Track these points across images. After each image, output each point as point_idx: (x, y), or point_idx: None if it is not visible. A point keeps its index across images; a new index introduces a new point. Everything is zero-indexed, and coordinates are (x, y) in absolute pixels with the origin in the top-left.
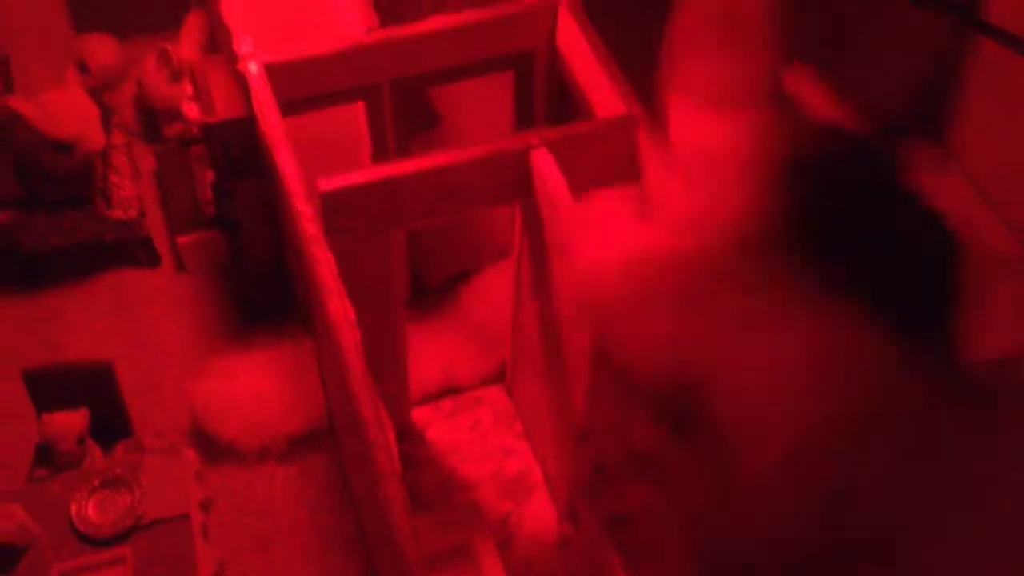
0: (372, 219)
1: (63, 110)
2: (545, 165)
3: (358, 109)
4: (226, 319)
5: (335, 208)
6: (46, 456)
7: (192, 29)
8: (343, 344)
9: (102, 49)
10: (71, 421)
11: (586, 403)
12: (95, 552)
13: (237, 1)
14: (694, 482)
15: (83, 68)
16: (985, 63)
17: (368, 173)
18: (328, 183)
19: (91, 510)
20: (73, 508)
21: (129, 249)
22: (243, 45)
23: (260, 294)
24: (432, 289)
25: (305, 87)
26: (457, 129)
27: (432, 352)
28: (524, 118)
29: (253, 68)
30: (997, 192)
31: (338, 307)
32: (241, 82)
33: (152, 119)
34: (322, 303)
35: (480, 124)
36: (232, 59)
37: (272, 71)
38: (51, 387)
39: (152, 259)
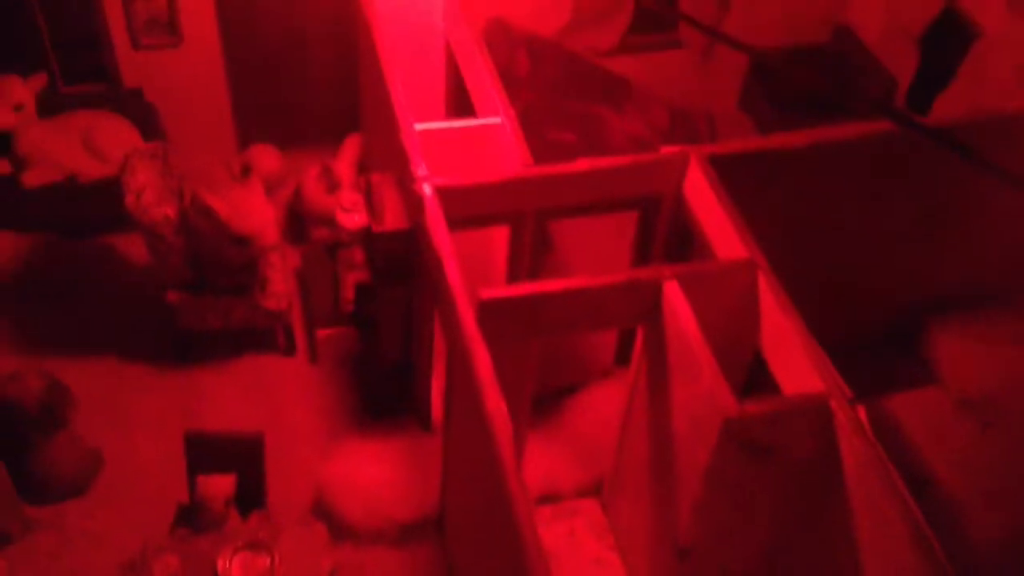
0: (520, 327)
1: (246, 207)
2: (675, 295)
3: (502, 232)
4: (352, 408)
5: (491, 314)
6: (189, 515)
7: (350, 149)
8: (498, 434)
9: (267, 157)
10: (223, 485)
11: (693, 520)
12: None
13: (415, 131)
14: None
15: (246, 171)
16: None
17: (522, 287)
18: (488, 292)
19: (235, 569)
20: (220, 565)
21: (273, 337)
22: (420, 169)
23: (385, 389)
24: (538, 400)
25: (468, 209)
26: (569, 256)
27: (536, 459)
28: (641, 255)
29: (428, 189)
30: None
31: (494, 400)
32: (406, 200)
33: (300, 223)
34: (476, 397)
35: (588, 255)
36: (404, 180)
37: (443, 193)
38: (207, 451)
39: (290, 348)
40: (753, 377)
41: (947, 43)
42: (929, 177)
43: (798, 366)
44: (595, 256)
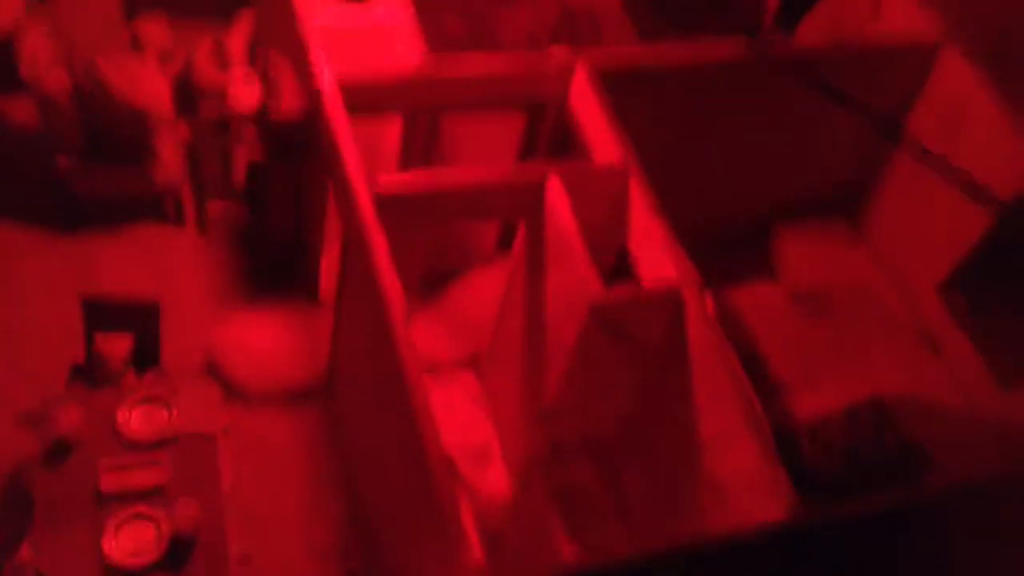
0: (414, 216)
1: (139, 81)
2: (556, 190)
3: (395, 122)
4: (241, 280)
5: (386, 205)
6: (85, 373)
7: (243, 27)
8: (394, 311)
9: (157, 30)
10: (121, 344)
11: (557, 388)
12: (136, 455)
13: (315, 21)
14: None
15: (135, 44)
16: (897, 167)
17: (418, 180)
18: (385, 183)
19: (135, 420)
20: (120, 416)
21: (163, 208)
22: (319, 59)
23: (275, 262)
24: (422, 282)
25: (364, 101)
26: (456, 147)
27: (417, 333)
28: (526, 152)
29: (328, 79)
30: (894, 264)
31: (391, 282)
32: (304, 85)
33: (189, 98)
34: (373, 278)
35: (475, 147)
36: (302, 65)
37: (343, 85)
38: (104, 315)
39: (180, 218)
40: (619, 269)
41: None
42: (784, 97)
43: (658, 260)
44: (482, 148)
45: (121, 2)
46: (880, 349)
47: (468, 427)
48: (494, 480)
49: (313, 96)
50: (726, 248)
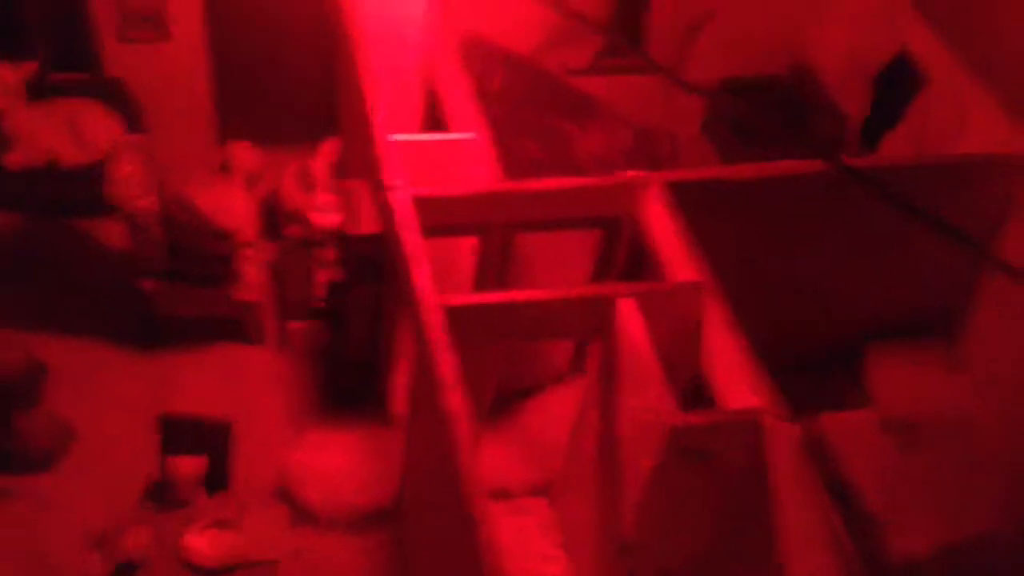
0: (483, 333)
1: (226, 202)
2: (629, 312)
3: (471, 241)
4: (317, 399)
5: (456, 320)
6: (158, 493)
7: (328, 151)
8: (458, 433)
9: (246, 154)
10: (193, 466)
11: (635, 519)
12: None
13: (389, 141)
14: None
15: (225, 168)
16: (994, 286)
17: (488, 296)
18: (456, 299)
19: (203, 544)
20: (189, 540)
21: (244, 328)
22: (392, 178)
23: (351, 382)
24: (499, 400)
25: (440, 219)
26: (532, 268)
27: (490, 457)
28: (601, 269)
29: (401, 197)
30: (994, 392)
31: (457, 401)
32: (380, 206)
33: (275, 219)
34: (439, 397)
35: (551, 267)
36: (378, 186)
37: (417, 202)
38: (179, 434)
39: (260, 338)
40: (697, 392)
41: (898, 86)
42: (868, 212)
43: (737, 383)
44: (558, 268)
45: (214, 130)
46: (979, 486)
47: (541, 559)
48: None
49: (387, 214)
50: (816, 372)
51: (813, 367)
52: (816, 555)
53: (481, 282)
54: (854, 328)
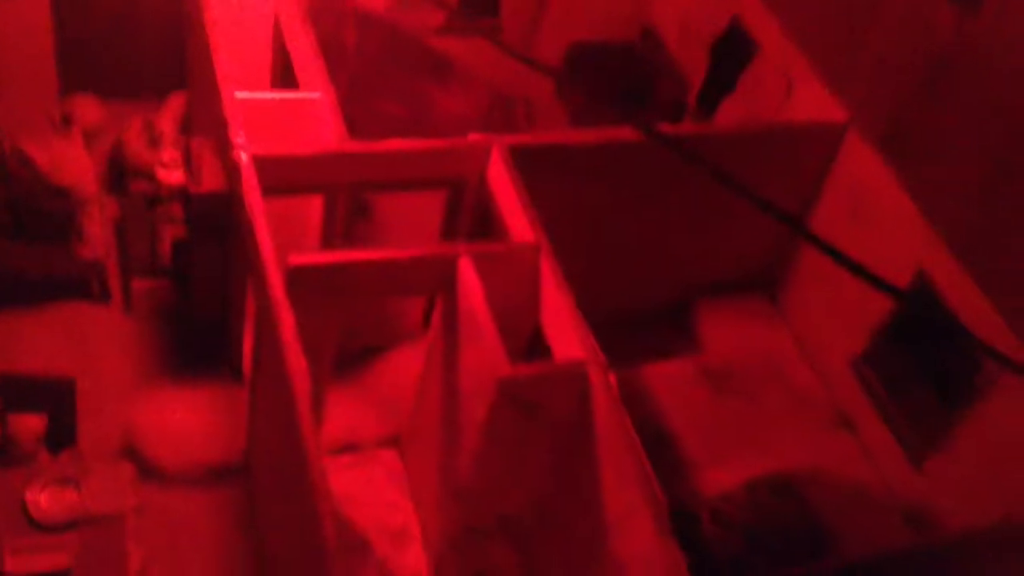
0: (325, 292)
1: (65, 159)
2: (467, 270)
3: (316, 199)
4: (165, 359)
5: (298, 279)
6: (0, 452)
7: (174, 106)
8: (296, 389)
9: (88, 108)
10: (34, 424)
11: (471, 467)
12: (43, 536)
13: (235, 99)
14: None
15: (66, 122)
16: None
17: (329, 255)
18: (297, 259)
19: (44, 501)
20: (28, 497)
21: (88, 285)
22: (238, 137)
23: (199, 341)
24: (346, 357)
25: (283, 178)
26: (383, 224)
27: (339, 411)
28: (449, 229)
29: (244, 157)
30: (809, 341)
31: (296, 359)
32: (225, 164)
33: (119, 175)
34: (279, 355)
35: (402, 225)
36: (223, 145)
37: (259, 161)
38: (16, 392)
39: (105, 296)
40: (537, 347)
41: (732, 54)
42: (691, 177)
43: (567, 337)
44: (409, 226)
45: (56, 82)
46: (791, 425)
47: (388, 507)
48: (412, 562)
49: (232, 173)
50: (650, 326)
51: (645, 323)
52: (629, 495)
53: (327, 241)
54: (683, 285)
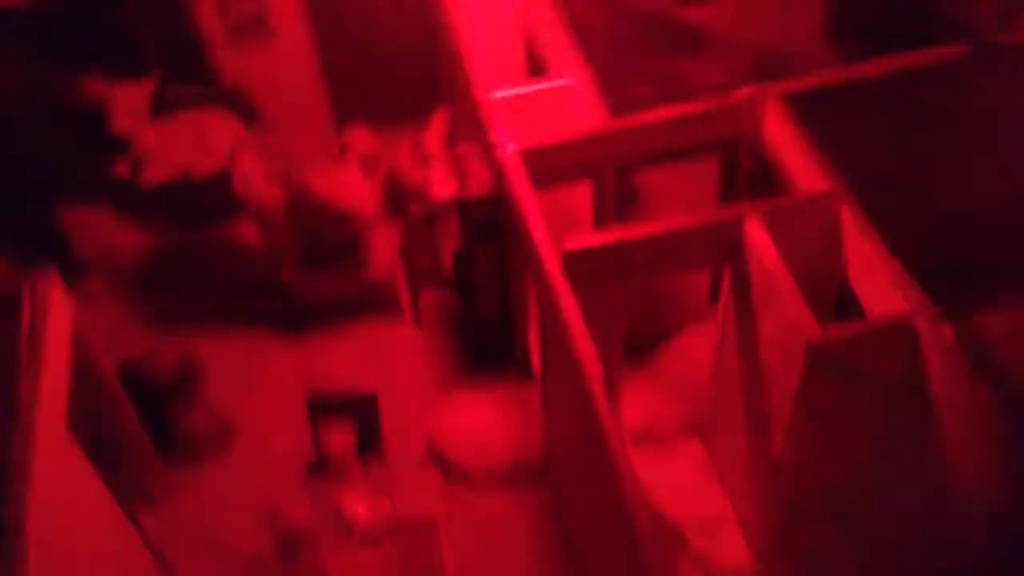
0: (605, 273)
1: (345, 187)
2: (756, 231)
3: (585, 187)
4: (457, 364)
5: (575, 264)
6: (317, 469)
7: (437, 124)
8: (588, 374)
9: (361, 137)
10: (345, 437)
11: (787, 445)
12: (363, 546)
13: (490, 101)
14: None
15: (343, 152)
16: None
17: (604, 235)
18: (572, 243)
19: (361, 511)
20: (346, 507)
21: (380, 305)
22: (497, 135)
23: (486, 343)
24: (636, 347)
25: (549, 168)
26: (654, 205)
27: (635, 403)
28: (726, 197)
29: (509, 151)
30: None
31: (583, 343)
32: (490, 167)
33: (397, 199)
34: (567, 345)
35: (673, 202)
36: (486, 148)
37: (524, 154)
38: (327, 409)
39: (397, 313)
40: (845, 307)
41: None
42: (1015, 98)
43: (883, 291)
44: (681, 202)
45: (330, 118)
46: None
47: (698, 497)
48: (732, 553)
49: (499, 173)
50: (964, 274)
51: (961, 270)
52: (984, 462)
53: (599, 225)
54: (1006, 226)
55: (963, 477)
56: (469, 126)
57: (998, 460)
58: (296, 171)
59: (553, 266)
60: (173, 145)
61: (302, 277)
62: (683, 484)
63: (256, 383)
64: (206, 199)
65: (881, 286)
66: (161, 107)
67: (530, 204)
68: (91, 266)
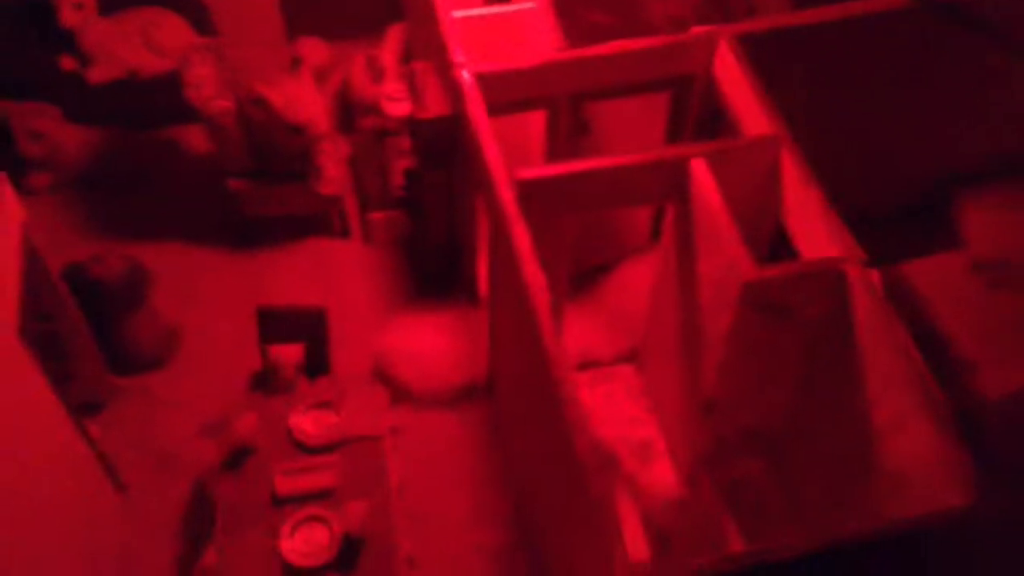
0: (556, 205)
1: (298, 98)
2: (701, 171)
3: (540, 117)
4: (404, 285)
5: (528, 194)
6: (262, 381)
7: (393, 39)
8: (537, 303)
9: (315, 49)
10: (292, 353)
11: (717, 377)
12: (308, 458)
13: (452, 21)
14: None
15: (296, 63)
16: None
17: (558, 168)
18: (525, 173)
19: (306, 424)
20: (292, 422)
21: (329, 221)
22: (458, 56)
23: (434, 268)
24: (577, 276)
25: (505, 94)
26: (604, 138)
27: (574, 330)
28: (674, 133)
29: (466, 75)
30: None
31: (533, 273)
32: (448, 87)
33: (348, 112)
34: (516, 270)
35: (623, 135)
36: (444, 68)
37: (481, 79)
38: (276, 324)
39: (345, 231)
40: (779, 249)
41: None
42: (952, 51)
43: (817, 235)
44: (630, 136)
45: (282, 28)
46: None
47: (630, 423)
48: (660, 477)
49: (455, 94)
50: (900, 222)
51: (898, 217)
52: (900, 398)
53: (552, 156)
54: (940, 174)
55: (883, 413)
56: (425, 45)
57: (918, 400)
58: (248, 80)
59: (507, 193)
60: (121, 41)
61: (250, 188)
62: (617, 409)
63: (202, 293)
64: (155, 100)
65: (815, 229)
66: (109, 5)
67: (485, 129)
68: (35, 163)
